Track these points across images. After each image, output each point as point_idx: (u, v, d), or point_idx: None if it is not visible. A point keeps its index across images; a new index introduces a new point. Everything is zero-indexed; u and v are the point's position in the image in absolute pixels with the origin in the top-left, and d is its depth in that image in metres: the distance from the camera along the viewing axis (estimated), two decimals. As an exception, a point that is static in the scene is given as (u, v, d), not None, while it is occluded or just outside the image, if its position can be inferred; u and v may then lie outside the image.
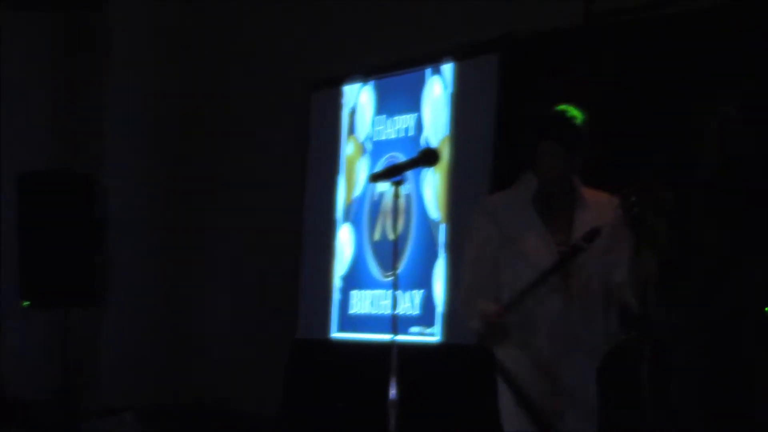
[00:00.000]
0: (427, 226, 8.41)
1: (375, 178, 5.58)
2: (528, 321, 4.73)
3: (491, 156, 8.02)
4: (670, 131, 6.50)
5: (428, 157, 5.67)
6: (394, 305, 5.50)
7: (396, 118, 8.88)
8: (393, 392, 5.17)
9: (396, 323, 5.43)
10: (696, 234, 4.31)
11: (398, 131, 8.85)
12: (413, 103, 8.73)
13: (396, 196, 5.41)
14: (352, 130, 9.29)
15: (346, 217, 9.23)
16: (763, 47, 6.29)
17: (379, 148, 9.01)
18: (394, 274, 5.46)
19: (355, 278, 9.03)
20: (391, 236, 8.67)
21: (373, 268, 8.86)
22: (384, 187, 8.73)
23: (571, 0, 7.59)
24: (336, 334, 9.13)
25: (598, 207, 4.77)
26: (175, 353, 10.48)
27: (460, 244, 8.11)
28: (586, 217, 4.75)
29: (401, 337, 5.51)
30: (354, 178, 9.22)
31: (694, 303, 5.01)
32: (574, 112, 4.78)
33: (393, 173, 5.45)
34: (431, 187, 8.42)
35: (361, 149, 9.17)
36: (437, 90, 8.53)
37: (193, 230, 10.69)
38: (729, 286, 5.56)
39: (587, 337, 4.69)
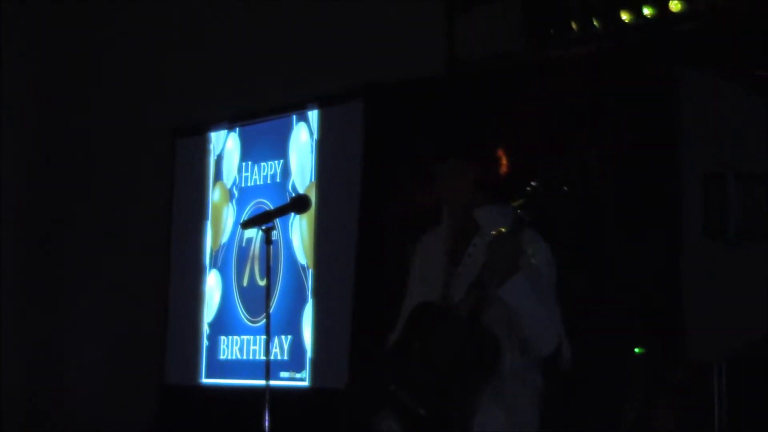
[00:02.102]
0: (296, 272, 8.48)
1: (246, 224, 5.64)
2: None
3: (357, 201, 8.12)
4: (532, 180, 6.66)
5: (300, 204, 5.77)
6: (268, 350, 5.57)
7: (262, 164, 8.95)
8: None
9: (269, 368, 5.49)
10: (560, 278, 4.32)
11: (265, 177, 8.92)
12: (279, 150, 8.80)
13: (268, 242, 5.47)
14: (218, 176, 9.34)
15: (214, 263, 9.25)
16: (619, 94, 6.50)
17: (246, 194, 9.06)
18: (266, 319, 5.51)
19: (223, 324, 9.05)
20: (260, 282, 8.72)
21: (241, 313, 8.90)
22: (252, 233, 8.80)
23: (435, 49, 7.75)
24: (205, 380, 9.13)
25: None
26: (40, 402, 10.34)
27: (328, 289, 8.25)
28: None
29: (271, 382, 5.56)
30: (221, 224, 9.25)
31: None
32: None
33: (264, 220, 5.52)
34: (298, 233, 8.50)
35: (228, 195, 9.22)
36: (303, 136, 8.63)
37: (57, 276, 10.58)
38: (591, 329, 5.73)
39: None
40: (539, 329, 4.22)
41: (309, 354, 8.27)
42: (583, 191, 6.16)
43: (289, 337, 8.40)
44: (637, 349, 5.72)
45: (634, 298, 5.97)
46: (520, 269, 4.17)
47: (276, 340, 8.44)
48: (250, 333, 8.79)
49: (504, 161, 4.39)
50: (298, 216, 8.36)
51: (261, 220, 5.52)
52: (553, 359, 4.28)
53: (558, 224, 6.03)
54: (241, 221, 8.59)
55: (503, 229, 4.18)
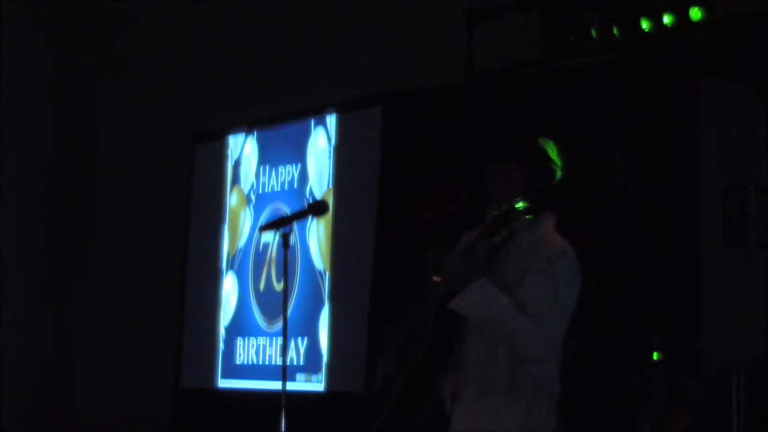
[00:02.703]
0: (312, 276, 8.51)
1: (264, 228, 5.68)
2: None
3: (374, 207, 8.15)
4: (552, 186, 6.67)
5: (318, 208, 5.81)
6: (284, 353, 5.60)
7: (280, 168, 8.98)
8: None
9: (285, 372, 5.52)
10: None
11: (282, 183, 8.95)
12: (297, 155, 8.84)
13: (286, 246, 5.50)
14: (236, 181, 9.37)
15: (230, 267, 9.29)
16: (639, 104, 6.51)
17: (263, 199, 9.10)
18: (284, 322, 5.54)
19: (240, 327, 9.08)
20: (276, 286, 8.76)
21: (258, 317, 8.93)
22: (269, 237, 8.84)
23: (454, 58, 7.78)
24: (221, 383, 9.16)
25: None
26: (59, 406, 10.37)
27: (344, 294, 8.28)
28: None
29: (287, 386, 5.58)
30: (238, 228, 9.29)
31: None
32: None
33: (282, 224, 5.56)
34: (315, 238, 8.53)
35: (246, 200, 9.26)
36: (321, 142, 8.66)
37: (76, 281, 10.62)
38: (611, 338, 5.75)
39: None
40: (519, 334, 4.21)
41: (325, 358, 8.30)
42: (602, 200, 6.18)
43: (306, 340, 8.43)
44: (655, 355, 5.73)
45: (653, 307, 5.99)
46: (480, 276, 4.21)
47: (292, 343, 8.46)
48: (267, 336, 8.82)
49: (557, 171, 4.41)
50: (315, 221, 8.40)
51: (279, 224, 5.55)
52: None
53: (577, 232, 6.06)
54: (259, 225, 8.64)
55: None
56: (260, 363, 8.83)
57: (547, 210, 4.39)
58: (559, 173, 4.40)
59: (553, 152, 4.41)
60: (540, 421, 4.37)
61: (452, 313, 4.33)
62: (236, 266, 9.23)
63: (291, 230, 5.52)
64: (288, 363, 8.25)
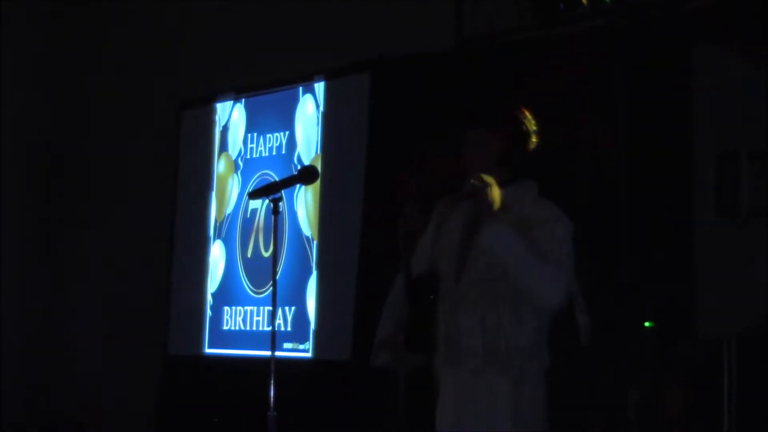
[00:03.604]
0: (300, 243, 8.48)
1: (254, 194, 5.63)
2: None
3: (362, 174, 8.11)
4: (541, 155, 6.65)
5: (308, 175, 5.76)
6: (273, 320, 5.57)
7: (268, 135, 8.94)
8: (272, 407, 5.22)
9: (274, 338, 5.49)
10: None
11: (270, 149, 8.91)
12: (285, 121, 8.79)
13: (275, 212, 5.46)
14: (224, 147, 9.33)
15: (218, 234, 9.25)
16: (631, 70, 6.47)
17: (251, 165, 9.05)
18: (273, 289, 5.51)
19: (227, 294, 9.06)
20: (264, 253, 8.73)
21: (245, 284, 8.90)
22: (257, 204, 8.80)
23: (443, 24, 7.73)
24: (209, 350, 9.14)
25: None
26: (44, 373, 10.35)
27: (332, 261, 8.25)
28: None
29: (275, 353, 5.55)
30: (226, 195, 9.24)
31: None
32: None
33: (271, 190, 5.51)
34: (303, 204, 8.50)
35: (233, 166, 9.21)
36: (310, 108, 8.61)
37: (61, 248, 10.59)
38: (600, 304, 5.71)
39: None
40: (537, 279, 4.23)
41: (312, 325, 8.28)
42: (594, 168, 6.15)
43: (293, 308, 8.40)
44: (647, 323, 5.72)
45: (646, 275, 5.97)
46: (504, 222, 4.20)
47: (280, 311, 8.44)
48: (254, 304, 8.80)
49: (532, 138, 4.39)
50: (303, 188, 8.36)
51: (268, 190, 5.51)
52: (564, 320, 4.29)
53: (568, 200, 6.03)
54: (248, 191, 8.59)
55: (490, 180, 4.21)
56: (248, 330, 8.81)
57: (528, 177, 4.37)
58: (534, 140, 4.38)
59: (528, 119, 4.40)
60: (530, 390, 4.36)
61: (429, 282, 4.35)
62: (224, 233, 9.19)
63: (280, 197, 5.47)
64: (276, 330, 8.22)
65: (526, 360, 4.35)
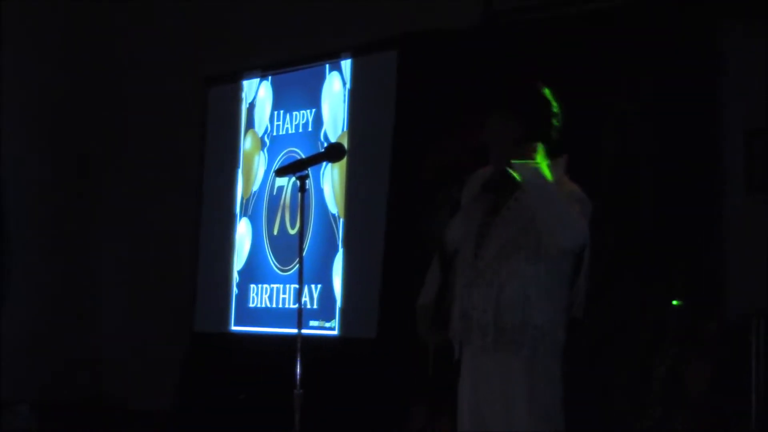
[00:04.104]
0: (327, 221, 8.47)
1: (281, 172, 5.59)
2: None
3: (389, 151, 8.09)
4: (569, 129, 6.61)
5: (334, 152, 5.72)
6: (300, 298, 5.56)
7: (294, 113, 8.92)
8: (298, 385, 5.21)
9: (301, 316, 5.48)
10: (594, 232, 4.31)
11: (297, 126, 8.89)
12: (312, 99, 8.77)
13: (302, 190, 5.44)
14: (250, 125, 9.32)
15: (244, 212, 9.25)
16: (659, 47, 6.42)
17: (277, 143, 9.05)
18: (299, 266, 5.50)
19: (253, 272, 9.06)
20: (291, 230, 8.72)
21: (271, 262, 8.90)
22: (283, 181, 8.80)
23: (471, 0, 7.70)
24: (235, 328, 9.15)
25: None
26: (71, 348, 10.39)
27: (358, 239, 8.24)
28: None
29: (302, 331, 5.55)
30: (252, 172, 9.24)
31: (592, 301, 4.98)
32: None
33: (298, 167, 5.48)
34: (329, 182, 8.48)
35: (260, 144, 9.20)
36: (336, 85, 8.59)
37: (90, 225, 10.61)
38: (626, 282, 5.69)
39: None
40: (559, 218, 4.24)
41: (339, 303, 8.27)
42: (621, 144, 6.12)
43: (319, 286, 8.40)
44: (675, 302, 5.69)
45: (674, 253, 5.93)
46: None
47: (306, 289, 8.44)
48: (280, 281, 8.80)
49: (554, 119, 4.40)
50: (329, 165, 8.34)
51: (295, 167, 5.47)
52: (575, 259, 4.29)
53: (596, 177, 6.00)
54: (275, 168, 8.58)
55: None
56: (274, 307, 8.81)
57: (557, 155, 4.37)
58: (555, 121, 4.38)
59: (547, 99, 4.40)
60: (544, 368, 4.35)
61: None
62: (250, 211, 9.19)
63: (307, 174, 5.45)
64: (302, 308, 8.23)
65: (539, 338, 4.34)
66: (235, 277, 9.22)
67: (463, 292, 4.48)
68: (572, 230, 4.25)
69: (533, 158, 4.33)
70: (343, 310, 8.25)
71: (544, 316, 4.34)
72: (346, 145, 8.29)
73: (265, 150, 9.14)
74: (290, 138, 8.92)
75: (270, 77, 9.20)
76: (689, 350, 5.65)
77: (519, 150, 4.36)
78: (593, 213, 4.36)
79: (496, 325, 4.36)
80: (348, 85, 8.49)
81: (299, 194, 5.36)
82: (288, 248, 8.72)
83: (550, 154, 4.38)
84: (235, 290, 9.20)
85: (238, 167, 9.36)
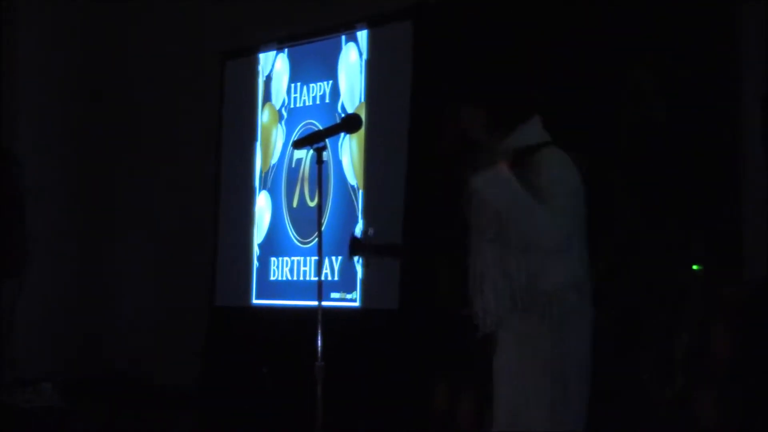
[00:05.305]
0: (346, 193, 8.46)
1: (298, 144, 5.61)
2: None
3: (407, 122, 8.07)
4: (585, 98, 6.60)
5: (351, 123, 5.74)
6: (320, 271, 5.57)
7: (311, 85, 8.91)
8: (320, 357, 5.23)
9: (321, 288, 5.50)
10: (614, 200, 4.34)
11: (314, 98, 8.89)
12: (329, 70, 8.76)
13: (319, 162, 5.44)
14: (267, 98, 9.31)
15: (263, 185, 9.26)
16: (674, 15, 6.38)
17: (295, 115, 9.04)
18: (318, 239, 5.51)
19: (274, 245, 9.07)
20: (310, 203, 8.73)
21: (292, 234, 8.91)
22: (301, 154, 8.79)
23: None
24: (256, 301, 9.17)
25: None
26: (92, 324, 10.44)
27: (378, 210, 8.24)
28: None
29: (323, 303, 5.56)
30: (270, 145, 9.24)
31: (614, 267, 5.01)
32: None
33: (315, 139, 5.48)
34: (348, 154, 8.48)
35: (277, 116, 9.20)
36: (353, 56, 8.58)
37: (109, 200, 10.64)
38: (646, 249, 5.67)
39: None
40: (531, 222, 4.31)
41: (360, 275, 8.27)
42: (638, 113, 6.09)
43: (340, 257, 8.40)
44: (695, 266, 5.68)
45: (693, 217, 5.92)
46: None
47: (326, 261, 8.44)
48: (301, 254, 8.81)
49: (511, 96, 4.47)
50: (347, 136, 8.34)
51: (312, 139, 5.48)
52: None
53: (613, 145, 5.98)
54: (292, 141, 8.59)
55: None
56: (295, 279, 8.83)
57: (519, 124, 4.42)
58: (513, 91, 4.42)
59: (514, 74, 4.48)
60: (561, 337, 4.36)
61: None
62: (269, 184, 9.19)
63: (324, 146, 5.45)
64: (323, 280, 8.24)
65: (547, 305, 4.37)
66: (256, 250, 9.23)
67: (475, 271, 4.53)
68: (547, 236, 4.33)
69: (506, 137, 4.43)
70: (364, 282, 8.25)
71: (556, 282, 4.38)
72: (363, 115, 8.28)
73: (283, 123, 9.14)
74: (308, 110, 8.91)
75: (286, 50, 9.19)
76: (711, 317, 5.64)
77: (491, 135, 4.47)
78: (613, 182, 4.41)
79: (509, 297, 4.41)
80: (365, 56, 8.48)
81: (317, 166, 5.38)
82: (308, 221, 8.73)
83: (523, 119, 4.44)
84: (255, 263, 9.21)
85: (257, 140, 9.36)
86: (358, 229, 4.81)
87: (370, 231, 4.84)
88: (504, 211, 4.34)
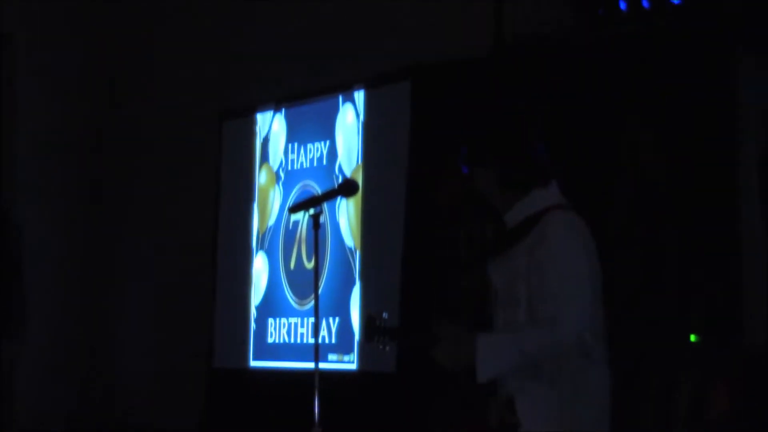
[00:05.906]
0: (343, 254, 8.44)
1: (294, 209, 5.62)
2: None
3: (404, 183, 8.06)
4: (583, 158, 6.59)
5: (347, 188, 5.73)
6: (317, 334, 5.54)
7: (309, 145, 8.91)
8: (317, 423, 5.20)
9: (318, 352, 5.47)
10: (613, 261, 4.27)
11: (311, 159, 8.88)
12: (326, 131, 8.76)
13: (316, 227, 5.43)
14: (265, 158, 9.31)
15: (261, 246, 9.24)
16: (672, 75, 6.40)
17: (292, 176, 9.03)
18: (315, 302, 5.49)
19: (271, 307, 9.03)
20: (307, 264, 8.70)
21: (289, 296, 8.88)
22: (299, 215, 8.76)
23: (482, 29, 7.68)
24: (254, 363, 9.12)
25: None
26: (91, 384, 10.40)
27: (375, 271, 8.21)
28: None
29: (320, 365, 5.53)
30: (268, 206, 9.23)
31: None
32: None
33: (311, 204, 5.49)
34: (345, 216, 8.46)
35: (275, 177, 9.19)
36: (350, 117, 8.58)
37: (107, 260, 10.63)
38: (644, 315, 5.66)
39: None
40: (538, 351, 4.18)
41: (357, 337, 8.23)
42: (636, 173, 6.09)
43: (337, 319, 8.37)
44: (692, 337, 5.64)
45: (692, 284, 5.90)
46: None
47: (324, 322, 8.41)
48: (298, 316, 8.78)
49: (525, 158, 4.40)
50: (345, 199, 8.32)
51: (309, 204, 5.48)
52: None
53: (608, 207, 5.96)
54: (289, 206, 8.58)
55: None
56: (292, 342, 8.79)
57: (533, 188, 4.37)
58: (527, 153, 4.37)
59: (519, 137, 4.39)
60: (583, 406, 4.30)
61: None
62: (266, 245, 9.17)
63: (321, 211, 5.45)
64: (320, 342, 8.19)
65: (575, 375, 4.29)
66: (253, 312, 9.20)
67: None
68: (557, 351, 4.21)
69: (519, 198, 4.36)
70: (361, 344, 8.21)
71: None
72: (360, 177, 8.28)
73: (280, 184, 9.13)
74: (305, 171, 8.91)
75: (284, 110, 9.20)
76: (712, 380, 5.61)
77: (504, 196, 4.39)
78: (613, 240, 4.34)
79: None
80: (362, 117, 8.48)
81: (314, 231, 5.37)
82: (305, 282, 8.69)
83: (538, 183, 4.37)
84: (253, 325, 9.18)
85: (254, 201, 9.35)
86: (373, 312, 4.71)
87: (385, 314, 4.74)
88: (520, 366, 4.25)
